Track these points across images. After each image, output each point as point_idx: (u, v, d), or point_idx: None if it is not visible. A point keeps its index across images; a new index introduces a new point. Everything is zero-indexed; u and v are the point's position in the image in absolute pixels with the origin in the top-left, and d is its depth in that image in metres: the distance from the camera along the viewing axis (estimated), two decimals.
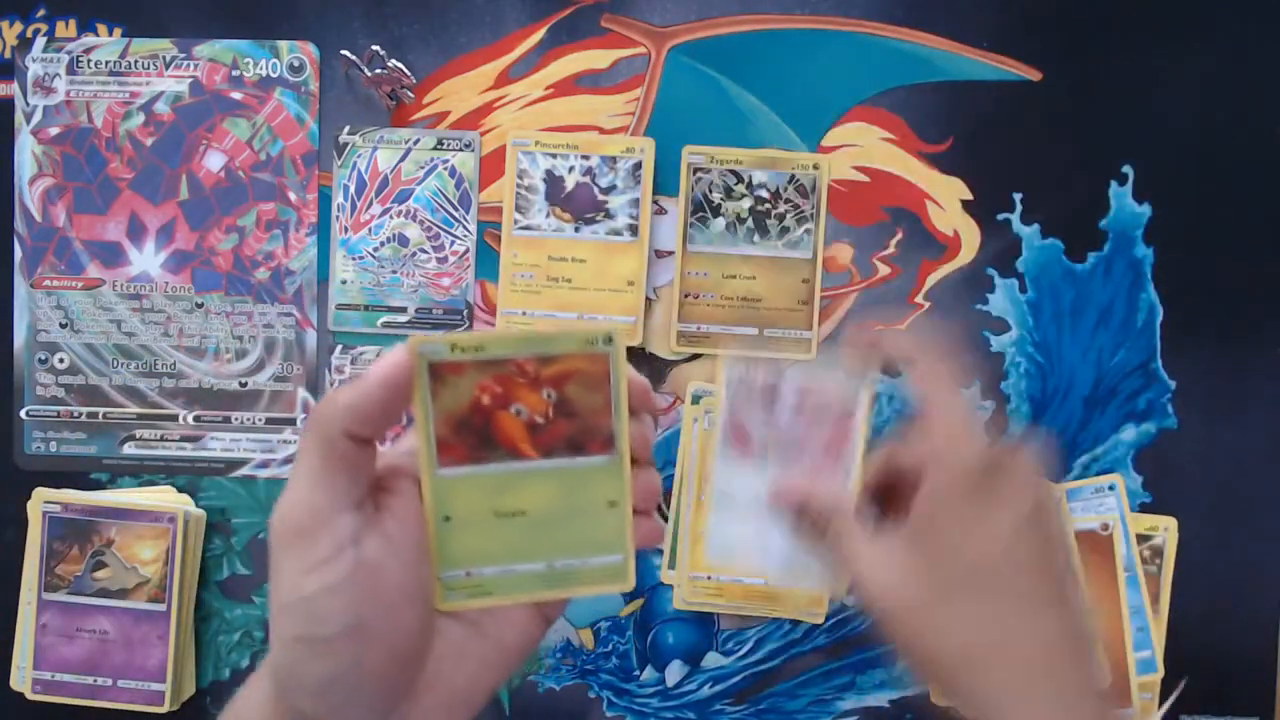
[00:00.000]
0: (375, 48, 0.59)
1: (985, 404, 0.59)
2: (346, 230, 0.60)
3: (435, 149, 0.60)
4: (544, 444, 0.33)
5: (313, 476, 0.30)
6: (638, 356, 0.59)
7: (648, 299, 0.60)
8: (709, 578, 0.58)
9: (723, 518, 0.54)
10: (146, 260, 0.60)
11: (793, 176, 0.59)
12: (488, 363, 0.32)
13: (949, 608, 0.38)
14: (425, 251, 0.60)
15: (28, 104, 0.60)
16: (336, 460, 0.30)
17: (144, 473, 0.61)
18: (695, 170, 0.59)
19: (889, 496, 0.42)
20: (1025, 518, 0.38)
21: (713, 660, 0.60)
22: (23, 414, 0.61)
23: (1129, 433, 0.59)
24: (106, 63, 0.60)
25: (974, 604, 0.38)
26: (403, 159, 0.60)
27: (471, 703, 0.34)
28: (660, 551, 0.59)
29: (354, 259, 0.60)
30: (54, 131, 0.60)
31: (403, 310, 0.60)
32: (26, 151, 0.60)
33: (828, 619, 0.59)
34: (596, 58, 0.59)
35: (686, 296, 0.59)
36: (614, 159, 0.59)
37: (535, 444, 0.33)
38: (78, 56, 0.60)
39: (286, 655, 0.30)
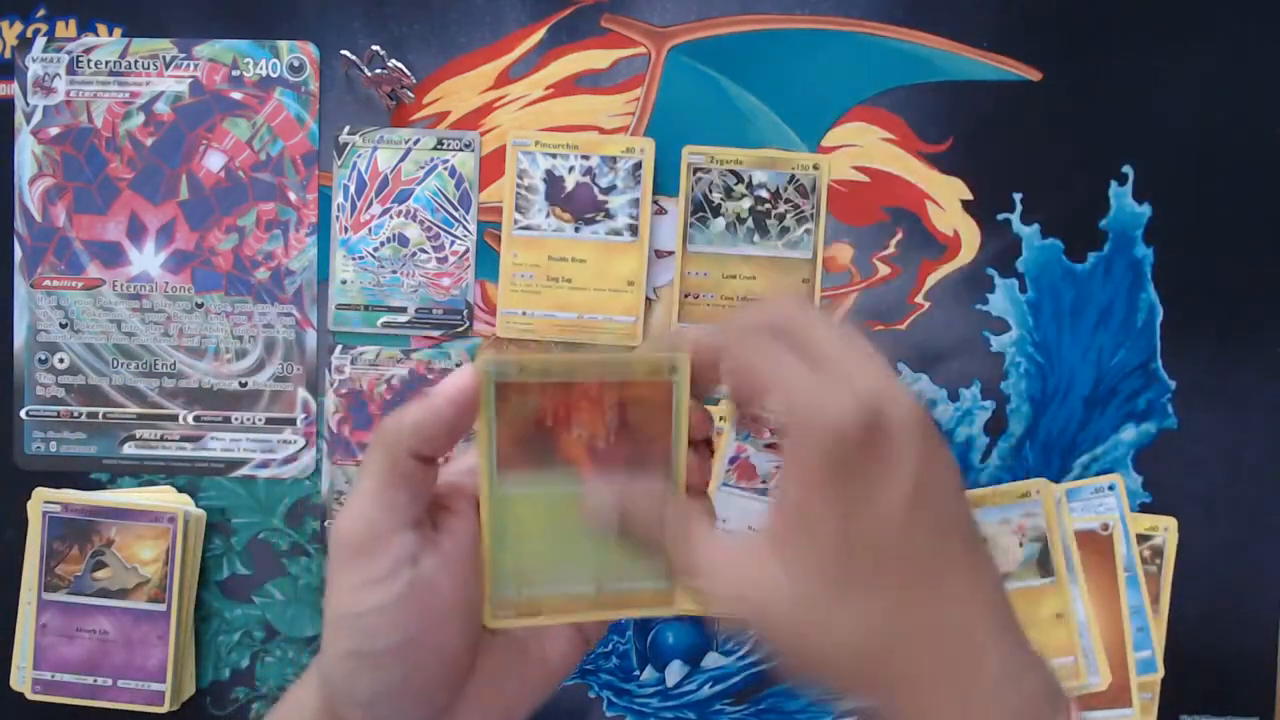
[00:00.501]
0: (375, 48, 0.59)
1: (985, 404, 0.59)
2: (346, 230, 0.60)
3: (435, 149, 0.60)
4: (603, 466, 0.34)
5: (374, 494, 0.31)
6: None
7: (648, 299, 0.60)
8: None
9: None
10: (146, 260, 0.60)
11: (793, 176, 0.59)
12: (553, 384, 0.33)
13: (837, 602, 0.31)
14: (425, 251, 0.60)
15: (28, 104, 0.60)
16: (399, 478, 0.31)
17: (144, 473, 0.61)
18: (695, 170, 0.59)
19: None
20: (917, 485, 0.30)
21: (713, 660, 0.60)
22: (23, 414, 0.61)
23: (1129, 433, 0.59)
24: (106, 63, 0.60)
25: (868, 595, 0.31)
26: (403, 159, 0.60)
27: (509, 719, 0.35)
28: None
29: (354, 259, 0.60)
30: (54, 131, 0.60)
31: (403, 310, 0.60)
32: (26, 151, 0.60)
33: None
34: (596, 58, 0.59)
35: (686, 296, 0.59)
36: (614, 159, 0.59)
37: (594, 466, 0.34)
38: (78, 56, 0.60)
39: (338, 668, 0.31)
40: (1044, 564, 0.57)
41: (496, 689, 0.34)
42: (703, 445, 0.35)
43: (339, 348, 0.61)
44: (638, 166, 0.59)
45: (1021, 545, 0.57)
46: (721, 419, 0.58)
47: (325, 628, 0.31)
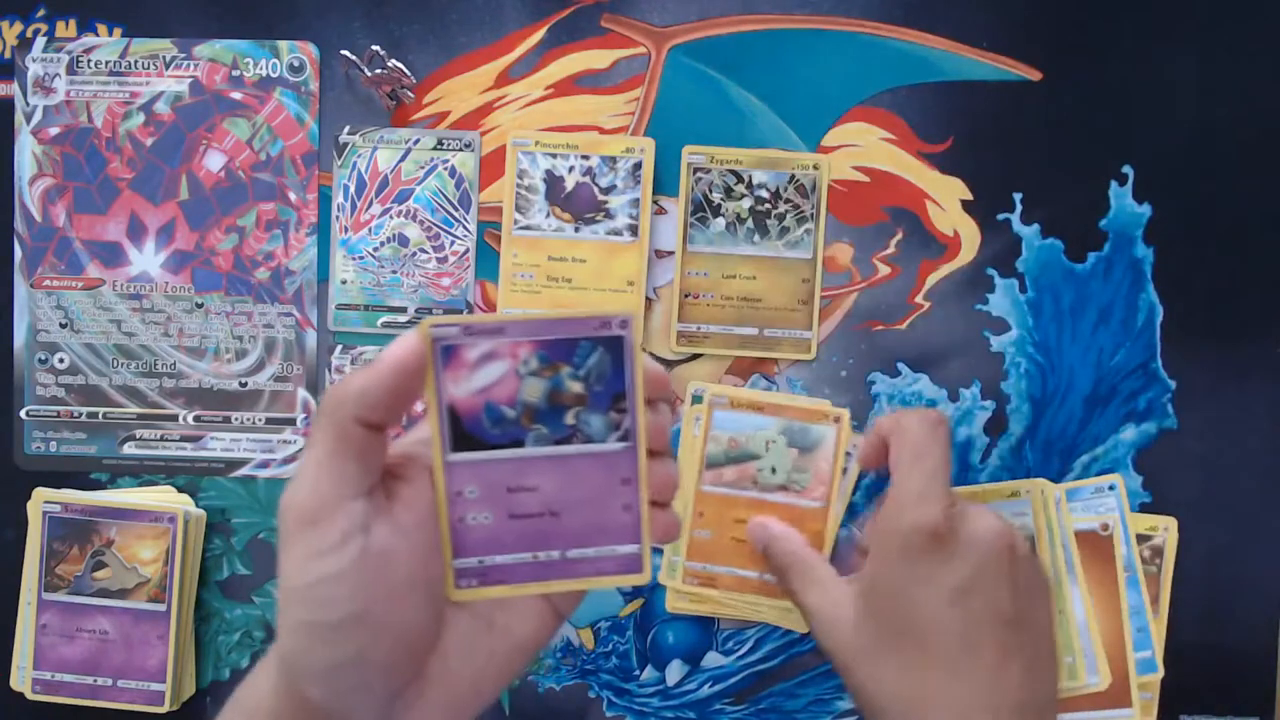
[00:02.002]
0: (375, 48, 0.59)
1: (985, 404, 0.60)
2: (346, 230, 0.60)
3: (435, 149, 0.60)
4: (559, 430, 0.33)
5: (322, 463, 0.30)
6: None
7: (648, 299, 0.60)
8: (703, 568, 0.58)
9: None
10: (146, 260, 0.60)
11: (793, 176, 0.59)
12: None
13: (885, 659, 0.42)
14: (425, 251, 0.60)
15: (28, 104, 0.60)
16: (347, 447, 0.30)
17: (144, 473, 0.61)
18: (695, 170, 0.59)
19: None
20: (963, 588, 0.41)
21: (713, 660, 0.60)
22: (23, 414, 0.61)
23: (1129, 433, 0.59)
24: (106, 63, 0.60)
25: (905, 660, 0.41)
26: (403, 159, 0.60)
27: (478, 697, 0.34)
28: (660, 551, 0.59)
29: (354, 259, 0.60)
30: (54, 131, 0.60)
31: (403, 310, 0.60)
32: (26, 151, 0.60)
33: None
34: (596, 58, 0.59)
35: (686, 296, 0.59)
36: (614, 159, 0.59)
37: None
38: (78, 56, 0.60)
39: (292, 641, 0.31)
40: None
41: (464, 663, 0.33)
42: (661, 405, 0.35)
43: (339, 348, 0.61)
44: (638, 166, 0.59)
45: None
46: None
47: (279, 602, 0.31)
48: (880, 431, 0.48)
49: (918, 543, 0.42)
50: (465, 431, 0.32)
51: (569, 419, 0.33)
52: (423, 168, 0.60)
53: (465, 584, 0.33)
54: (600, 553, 0.34)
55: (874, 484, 0.59)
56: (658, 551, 0.58)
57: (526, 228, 0.59)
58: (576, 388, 0.32)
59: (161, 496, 0.60)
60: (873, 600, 0.43)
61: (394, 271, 0.60)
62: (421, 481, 0.33)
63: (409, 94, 0.59)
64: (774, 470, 0.56)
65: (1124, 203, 0.59)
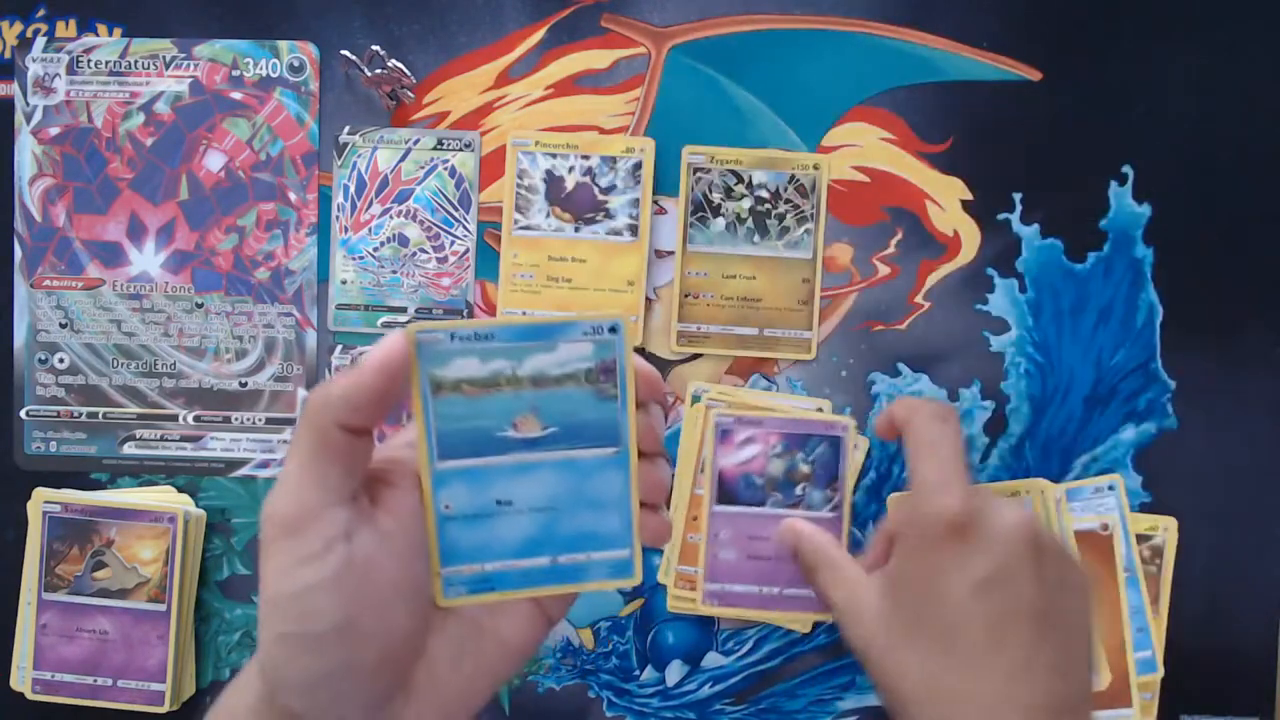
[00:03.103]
0: (375, 48, 0.59)
1: (985, 404, 0.59)
2: (346, 230, 0.60)
3: (435, 149, 0.60)
4: (548, 435, 0.32)
5: (304, 469, 0.30)
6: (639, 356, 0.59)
7: (648, 299, 0.60)
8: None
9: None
10: (146, 260, 0.60)
11: (793, 176, 0.59)
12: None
13: (909, 651, 0.41)
14: (425, 251, 0.60)
15: (28, 104, 0.60)
16: (329, 452, 0.30)
17: (144, 473, 0.61)
18: (695, 170, 0.59)
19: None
20: (988, 580, 0.40)
21: (713, 660, 0.60)
22: (23, 414, 0.61)
23: (1129, 433, 0.59)
24: (106, 63, 0.60)
25: (930, 653, 0.40)
26: (403, 159, 0.60)
27: (469, 704, 0.33)
28: (661, 551, 0.59)
29: (354, 259, 0.60)
30: (54, 131, 0.60)
31: (403, 310, 0.60)
32: (26, 151, 0.60)
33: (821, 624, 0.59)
34: (596, 58, 0.59)
35: (686, 296, 0.59)
36: (614, 159, 0.59)
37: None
38: (78, 56, 0.60)
39: (274, 652, 0.30)
40: None
41: (452, 671, 0.33)
42: (653, 406, 0.35)
43: (339, 348, 0.61)
44: (638, 166, 0.59)
45: None
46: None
47: (259, 612, 0.30)
48: (894, 418, 0.47)
49: (938, 534, 0.41)
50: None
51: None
52: (423, 168, 0.60)
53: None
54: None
55: (874, 484, 0.59)
56: (658, 551, 0.58)
57: (526, 228, 0.59)
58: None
59: (161, 496, 0.60)
60: (896, 592, 0.43)
61: (394, 271, 0.60)
62: (407, 487, 0.32)
63: (409, 94, 0.59)
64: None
65: (1124, 203, 0.59)
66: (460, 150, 0.60)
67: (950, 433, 0.44)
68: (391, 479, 0.32)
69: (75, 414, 0.61)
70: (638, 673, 0.60)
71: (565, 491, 0.33)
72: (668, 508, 0.58)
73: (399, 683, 0.32)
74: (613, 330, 0.32)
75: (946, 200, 0.59)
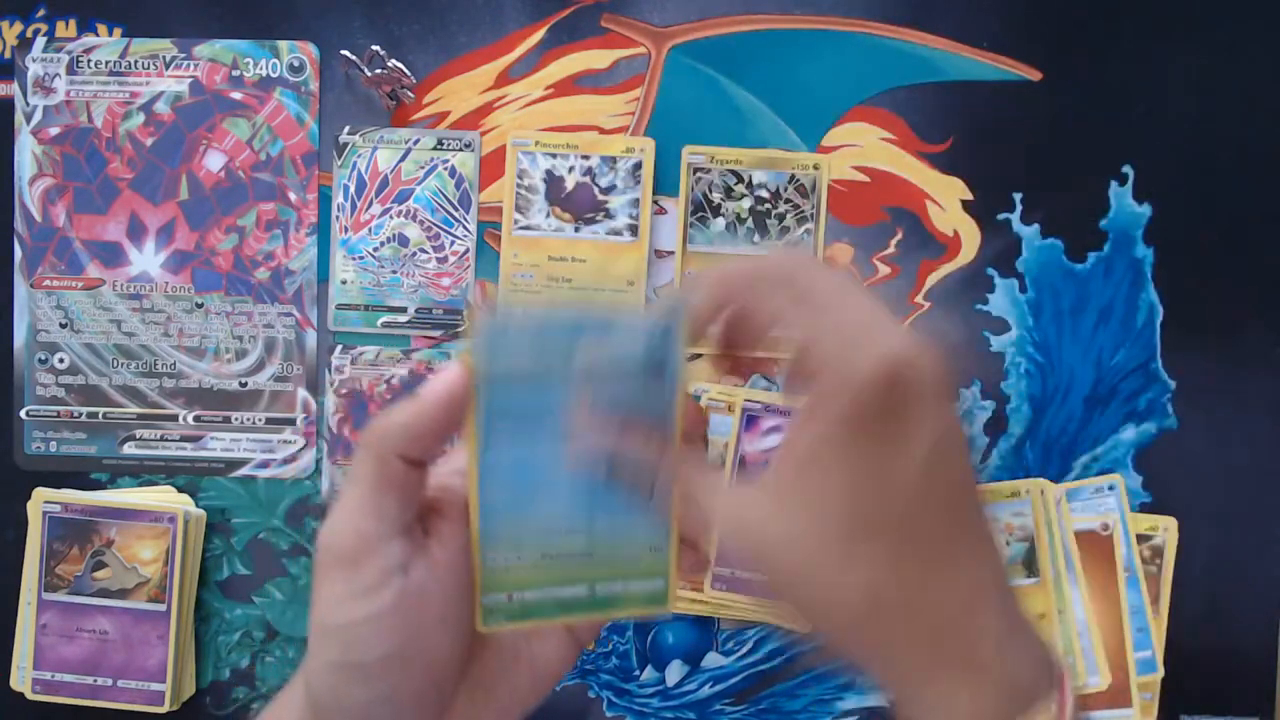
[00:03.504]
0: (375, 48, 0.59)
1: (985, 404, 0.59)
2: (346, 230, 0.60)
3: (435, 149, 0.60)
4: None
5: (363, 500, 0.30)
6: None
7: (648, 299, 0.60)
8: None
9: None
10: (146, 260, 0.60)
11: (793, 176, 0.59)
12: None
13: (847, 555, 0.30)
14: (425, 251, 0.60)
15: (28, 104, 0.60)
16: (388, 483, 0.30)
17: (144, 473, 0.61)
18: (695, 170, 0.59)
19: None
20: (932, 453, 0.30)
21: (713, 660, 0.60)
22: (23, 414, 0.61)
23: (1129, 433, 0.59)
24: (106, 63, 0.60)
25: (872, 554, 0.30)
26: (403, 159, 0.60)
27: None
28: None
29: (354, 259, 0.60)
30: (54, 131, 0.60)
31: (403, 310, 0.60)
32: (26, 151, 0.60)
33: None
34: (596, 58, 0.59)
35: None
36: (614, 159, 0.59)
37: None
38: (78, 56, 0.60)
39: (324, 680, 0.30)
40: (1029, 564, 0.57)
41: (488, 694, 0.33)
42: (696, 441, 0.34)
43: (339, 348, 0.61)
44: (638, 166, 0.59)
45: (1009, 544, 0.57)
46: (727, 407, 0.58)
47: (311, 639, 0.30)
48: (729, 292, 0.32)
49: (875, 394, 0.29)
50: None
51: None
52: (423, 168, 0.60)
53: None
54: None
55: None
56: None
57: (526, 228, 0.59)
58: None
59: (161, 496, 0.60)
60: (808, 493, 0.31)
61: (394, 271, 0.60)
62: (455, 516, 0.32)
63: (409, 94, 0.59)
64: None
65: (1124, 203, 0.59)
66: (460, 150, 0.60)
67: (827, 274, 0.32)
68: (442, 508, 0.32)
69: (75, 414, 0.61)
70: (638, 673, 0.60)
71: (607, 528, 0.33)
72: None
73: (441, 709, 0.32)
74: (674, 312, 0.31)
75: (946, 200, 0.59)
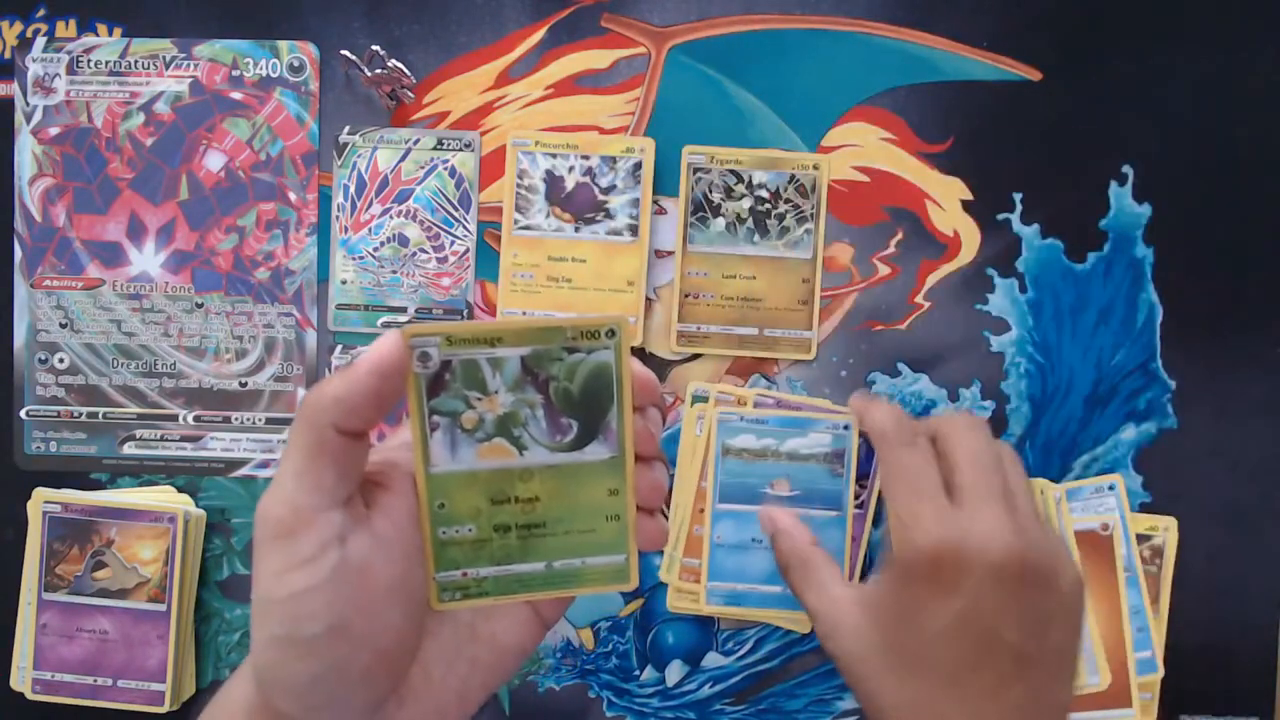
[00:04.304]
0: (375, 48, 0.59)
1: (985, 404, 0.59)
2: (346, 230, 0.60)
3: (435, 149, 0.60)
4: (545, 439, 0.32)
5: (298, 471, 0.29)
6: (638, 356, 0.59)
7: (648, 299, 0.60)
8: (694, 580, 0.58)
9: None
10: (146, 260, 0.60)
11: (793, 176, 0.59)
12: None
13: (885, 669, 0.41)
14: (425, 251, 0.60)
15: (28, 104, 0.60)
16: (324, 455, 0.29)
17: (144, 473, 0.61)
18: (695, 170, 0.59)
19: None
20: (962, 616, 0.39)
21: (713, 660, 0.60)
22: (23, 414, 0.61)
23: (1129, 433, 0.59)
24: (106, 63, 0.60)
25: (906, 673, 0.40)
26: (403, 159, 0.60)
27: (464, 706, 0.33)
28: (661, 552, 0.59)
29: (354, 259, 0.60)
30: (54, 131, 0.60)
31: (403, 310, 0.60)
32: (26, 151, 0.60)
33: None
34: (596, 58, 0.59)
35: (686, 296, 0.59)
36: (614, 159, 0.59)
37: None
38: (78, 56, 0.60)
39: (267, 655, 0.30)
40: None
41: (447, 672, 0.33)
42: (650, 410, 0.34)
43: (339, 348, 0.61)
44: (638, 166, 0.59)
45: None
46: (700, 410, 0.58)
47: (252, 615, 0.30)
48: (868, 436, 0.48)
49: (914, 569, 0.41)
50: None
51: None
52: (423, 168, 0.60)
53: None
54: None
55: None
56: (659, 550, 0.58)
57: (526, 228, 0.59)
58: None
59: (161, 496, 0.60)
60: (876, 612, 0.43)
61: (394, 271, 0.60)
62: (402, 489, 0.32)
63: (409, 94, 0.59)
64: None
65: (1124, 203, 0.59)
66: (460, 150, 0.60)
67: (919, 458, 0.44)
68: (387, 481, 0.32)
69: (75, 414, 0.61)
70: (638, 673, 0.60)
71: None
72: (665, 512, 0.58)
73: (392, 686, 0.32)
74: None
75: (946, 200, 0.59)
